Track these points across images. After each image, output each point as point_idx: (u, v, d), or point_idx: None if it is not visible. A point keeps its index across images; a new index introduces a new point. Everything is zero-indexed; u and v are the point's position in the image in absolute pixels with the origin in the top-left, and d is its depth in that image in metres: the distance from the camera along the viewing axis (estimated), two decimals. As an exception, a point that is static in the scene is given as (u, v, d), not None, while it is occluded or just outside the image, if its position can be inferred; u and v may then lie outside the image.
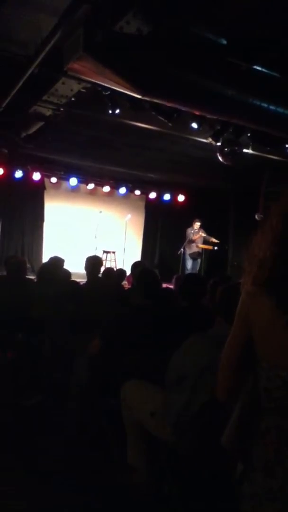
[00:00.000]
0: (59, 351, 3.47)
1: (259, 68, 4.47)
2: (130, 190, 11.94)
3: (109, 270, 6.09)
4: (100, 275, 5.19)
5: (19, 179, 10.35)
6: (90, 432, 3.04)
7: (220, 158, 6.90)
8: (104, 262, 8.20)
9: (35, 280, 4.86)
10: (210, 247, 10.85)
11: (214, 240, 10.79)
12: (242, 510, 1.24)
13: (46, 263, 5.23)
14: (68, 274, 5.37)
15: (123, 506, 2.47)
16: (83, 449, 3.01)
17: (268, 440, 1.21)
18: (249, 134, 6.47)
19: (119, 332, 2.94)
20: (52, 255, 5.42)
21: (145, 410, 2.53)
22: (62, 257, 5.36)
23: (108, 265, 9.55)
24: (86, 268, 4.74)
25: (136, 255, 12.22)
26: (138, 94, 4.48)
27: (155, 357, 2.72)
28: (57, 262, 5.08)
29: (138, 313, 3.02)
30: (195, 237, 10.69)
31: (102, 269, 5.48)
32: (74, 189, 11.50)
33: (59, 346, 3.51)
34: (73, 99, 5.68)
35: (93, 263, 4.80)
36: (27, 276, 5.68)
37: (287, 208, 1.20)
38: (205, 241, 10.80)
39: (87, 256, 4.88)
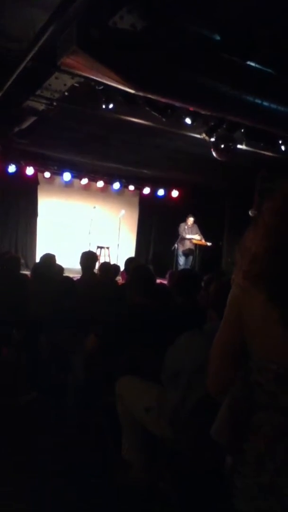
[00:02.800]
0: (56, 348, 3.46)
1: (253, 64, 4.47)
2: (124, 186, 11.92)
3: (105, 265, 6.08)
4: (95, 271, 5.19)
5: (12, 174, 10.29)
6: (88, 430, 3.04)
7: (214, 153, 6.90)
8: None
9: (30, 278, 4.85)
10: (204, 243, 10.87)
11: (203, 242, 10.81)
12: (235, 504, 1.25)
13: (39, 263, 5.22)
14: (61, 269, 5.36)
15: (121, 505, 2.47)
16: (81, 447, 3.00)
17: (260, 435, 1.21)
18: (242, 130, 6.47)
19: (116, 331, 2.94)
20: (45, 252, 5.40)
21: (140, 405, 2.54)
22: (56, 252, 5.35)
23: (102, 261, 9.54)
24: (81, 263, 4.73)
25: (130, 250, 12.22)
26: (131, 89, 4.47)
27: (151, 354, 2.72)
28: (49, 259, 5.08)
29: (135, 311, 3.02)
30: (187, 236, 10.71)
31: (97, 264, 5.48)
32: (68, 185, 11.47)
33: (56, 343, 3.50)
34: (66, 93, 5.65)
35: (88, 258, 4.80)
36: (21, 272, 5.67)
37: (280, 203, 1.21)
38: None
39: (82, 252, 4.88)
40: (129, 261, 5.61)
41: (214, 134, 6.54)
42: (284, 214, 1.18)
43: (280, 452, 1.18)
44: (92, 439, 3.01)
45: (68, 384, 3.20)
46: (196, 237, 10.80)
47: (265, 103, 4.65)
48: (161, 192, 12.23)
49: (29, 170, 10.46)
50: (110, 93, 5.43)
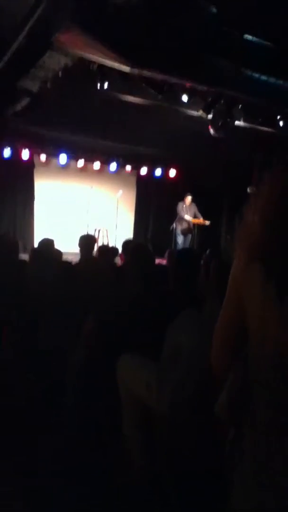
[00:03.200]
0: (57, 331, 3.45)
1: (250, 38, 4.38)
2: (121, 166, 11.81)
3: (104, 248, 6.06)
4: (93, 254, 5.17)
5: (7, 158, 10.18)
6: (89, 427, 3.04)
7: (211, 131, 6.82)
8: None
9: (28, 263, 4.82)
10: (203, 222, 10.84)
11: (202, 220, 10.78)
12: (233, 503, 1.24)
13: (38, 248, 5.18)
14: (59, 254, 5.33)
15: (121, 505, 2.48)
16: (81, 446, 2.99)
17: (258, 431, 1.19)
18: (240, 106, 6.38)
19: (116, 315, 2.93)
20: (43, 235, 5.36)
21: (139, 381, 2.54)
22: (53, 235, 5.31)
23: (100, 243, 9.51)
24: (80, 246, 4.71)
25: (128, 231, 12.18)
26: (127, 65, 4.40)
27: (152, 331, 2.72)
28: (48, 244, 5.04)
29: (134, 303, 3.00)
30: (186, 216, 10.68)
31: (96, 247, 5.45)
32: (64, 167, 11.35)
33: (57, 326, 3.49)
34: (60, 73, 5.54)
35: (87, 242, 4.79)
36: (20, 255, 5.64)
37: (280, 179, 1.19)
38: (196, 218, 10.82)
39: (80, 235, 4.85)
40: (126, 243, 5.58)
41: (212, 110, 6.45)
42: (284, 190, 1.17)
43: (280, 450, 1.15)
44: (92, 437, 2.99)
45: (67, 379, 3.17)
46: (194, 218, 10.77)
47: (263, 77, 4.58)
48: (158, 171, 12.13)
49: (25, 154, 10.33)
50: (106, 72, 5.33)
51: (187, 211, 10.81)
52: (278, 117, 6.83)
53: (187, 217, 10.72)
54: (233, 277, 1.26)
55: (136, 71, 4.66)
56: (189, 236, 10.93)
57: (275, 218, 1.16)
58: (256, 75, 4.50)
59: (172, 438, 2.29)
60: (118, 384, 2.70)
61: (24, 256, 5.85)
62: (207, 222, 10.85)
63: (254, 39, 4.39)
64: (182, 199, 10.85)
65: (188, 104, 6.40)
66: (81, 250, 4.81)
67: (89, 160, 11.32)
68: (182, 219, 10.74)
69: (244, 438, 1.24)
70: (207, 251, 5.77)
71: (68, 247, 7.25)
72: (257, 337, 1.19)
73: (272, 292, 1.13)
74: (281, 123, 6.92)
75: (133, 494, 2.49)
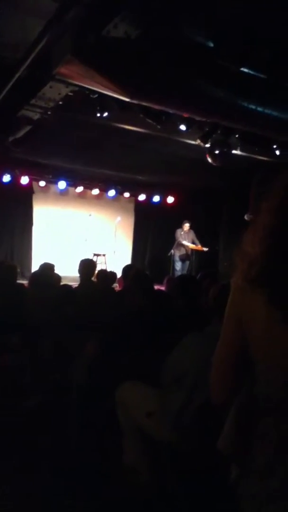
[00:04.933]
0: (58, 353, 3.46)
1: (246, 70, 4.50)
2: (120, 193, 11.93)
3: (103, 272, 6.08)
4: (93, 278, 5.19)
5: (7, 183, 10.28)
6: (90, 434, 3.03)
7: (209, 159, 6.93)
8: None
9: (28, 287, 4.84)
10: (201, 248, 10.90)
11: (200, 247, 10.85)
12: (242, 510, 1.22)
13: (38, 271, 5.21)
14: (58, 278, 5.35)
15: (123, 508, 2.46)
16: (84, 451, 3.00)
17: (267, 442, 1.18)
18: (237, 135, 6.51)
19: (118, 335, 2.94)
20: (42, 261, 5.40)
21: (141, 410, 2.53)
22: (52, 261, 5.35)
23: (98, 268, 9.51)
24: (80, 271, 4.73)
25: (126, 257, 12.22)
26: (126, 97, 4.50)
27: (154, 358, 2.72)
28: (48, 268, 5.07)
29: (137, 315, 3.02)
30: (184, 242, 10.75)
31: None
32: (63, 193, 11.47)
33: (58, 348, 3.50)
34: (60, 102, 5.67)
35: (87, 266, 4.81)
36: (18, 282, 5.65)
37: (278, 203, 1.18)
38: (194, 244, 10.89)
39: (81, 259, 4.87)
40: (127, 268, 5.61)
41: (209, 139, 6.57)
42: (282, 214, 1.15)
43: None
44: (95, 442, 3.00)
45: (71, 388, 3.18)
46: (192, 245, 10.84)
47: (260, 108, 4.69)
48: (156, 198, 12.25)
49: (24, 180, 10.45)
50: (105, 101, 5.45)
51: (186, 238, 10.88)
52: (275, 146, 6.97)
53: (186, 242, 10.78)
54: (232, 300, 1.24)
55: (135, 101, 4.76)
56: (187, 262, 10.97)
57: (275, 240, 1.14)
58: (252, 106, 4.61)
59: (176, 463, 2.28)
60: (118, 413, 2.69)
61: (23, 282, 5.87)
62: (205, 249, 10.91)
63: (250, 71, 4.52)
64: (180, 225, 10.94)
65: (186, 133, 6.52)
66: (80, 275, 4.82)
67: (88, 186, 11.44)
68: (181, 245, 10.81)
69: (253, 452, 1.22)
70: (202, 275, 5.79)
71: (66, 272, 7.27)
72: (264, 358, 1.17)
73: (277, 316, 1.10)
74: (277, 152, 7.06)
75: (139, 497, 2.46)
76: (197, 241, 10.95)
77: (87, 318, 3.53)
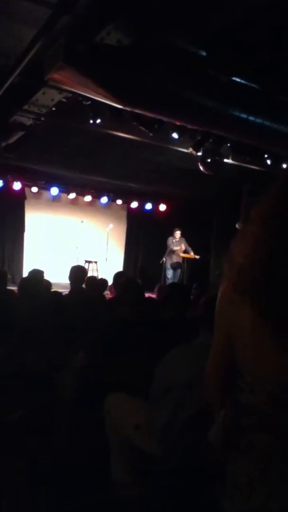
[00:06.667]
0: (45, 364, 3.41)
1: (238, 80, 4.53)
2: (112, 200, 11.93)
3: (92, 279, 6.04)
4: (83, 285, 5.16)
5: (-1, 189, 10.25)
6: (80, 445, 2.99)
7: (201, 168, 6.96)
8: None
9: (17, 294, 4.79)
10: (193, 256, 10.90)
11: (193, 255, 10.87)
12: None
13: (26, 277, 5.16)
14: (48, 284, 5.31)
15: None
16: (73, 462, 2.95)
17: (251, 457, 1.15)
18: (229, 144, 6.54)
19: (106, 346, 2.91)
20: (32, 267, 5.34)
21: (128, 423, 2.50)
22: (43, 267, 5.30)
23: (90, 275, 9.48)
24: (70, 277, 4.69)
25: (118, 264, 12.19)
26: (118, 104, 4.50)
27: (142, 369, 2.69)
28: (37, 275, 5.02)
29: (125, 326, 3.00)
30: (176, 248, 10.76)
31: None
32: (55, 199, 11.44)
33: (45, 359, 3.45)
34: (53, 108, 5.66)
35: (78, 273, 4.77)
36: (8, 288, 5.60)
37: (267, 213, 1.16)
38: (186, 252, 10.90)
39: (71, 266, 4.84)
40: (118, 276, 5.59)
41: (201, 148, 6.60)
42: (271, 223, 1.13)
43: (272, 474, 1.11)
44: (83, 456, 2.95)
45: (57, 401, 3.14)
46: (184, 253, 10.85)
47: (251, 118, 4.71)
48: (148, 206, 12.26)
49: (16, 185, 10.41)
50: (98, 108, 5.46)
51: (177, 246, 10.89)
52: (266, 155, 7.01)
53: (177, 248, 10.79)
54: (220, 311, 1.23)
55: (128, 108, 4.77)
56: (179, 270, 10.97)
57: (265, 250, 1.11)
58: (244, 115, 4.63)
59: (164, 477, 2.24)
60: (106, 425, 2.65)
61: (12, 288, 5.82)
62: (197, 257, 10.92)
63: (242, 81, 4.54)
64: (171, 233, 10.95)
65: (178, 142, 6.55)
66: (71, 281, 4.79)
67: (80, 193, 11.43)
68: (172, 253, 10.81)
69: (236, 467, 1.20)
70: (195, 285, 5.78)
71: (57, 279, 7.23)
72: (251, 370, 1.15)
73: (267, 328, 1.07)
74: (268, 162, 7.11)
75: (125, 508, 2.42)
76: (189, 249, 10.96)
77: (76, 328, 3.49)
